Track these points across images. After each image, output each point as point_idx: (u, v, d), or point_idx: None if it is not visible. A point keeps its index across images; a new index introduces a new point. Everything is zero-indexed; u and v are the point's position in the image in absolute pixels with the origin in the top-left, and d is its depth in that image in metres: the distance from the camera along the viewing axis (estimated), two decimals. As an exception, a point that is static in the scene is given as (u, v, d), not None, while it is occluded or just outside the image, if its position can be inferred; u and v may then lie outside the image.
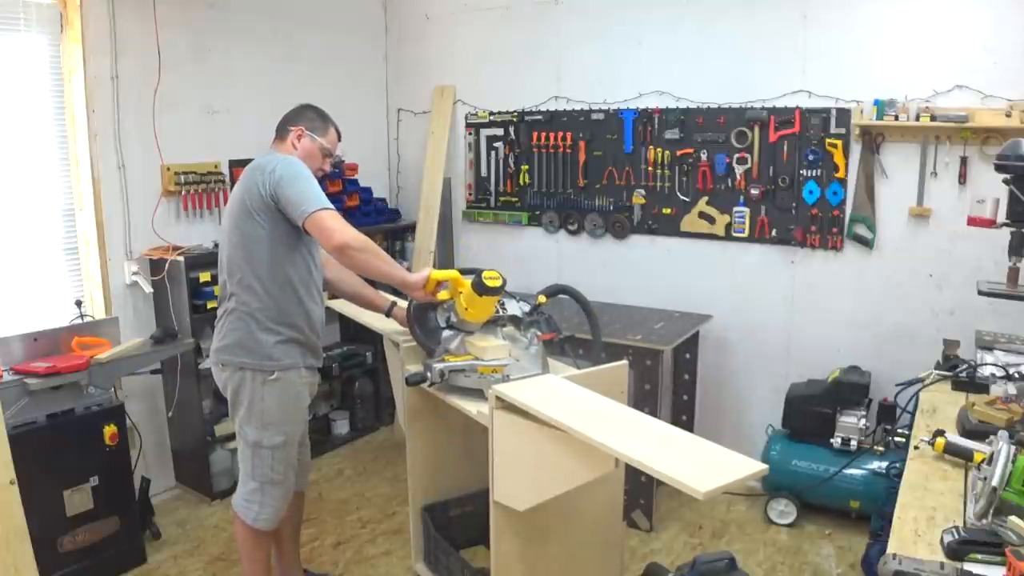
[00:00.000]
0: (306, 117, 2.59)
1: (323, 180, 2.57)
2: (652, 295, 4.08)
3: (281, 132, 2.60)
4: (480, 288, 2.30)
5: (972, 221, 2.45)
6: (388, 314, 2.84)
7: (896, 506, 1.71)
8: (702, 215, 3.95)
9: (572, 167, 4.29)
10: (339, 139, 2.68)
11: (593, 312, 2.70)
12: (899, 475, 1.96)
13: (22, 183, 3.27)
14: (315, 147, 2.57)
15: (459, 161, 4.74)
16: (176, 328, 3.54)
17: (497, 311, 2.48)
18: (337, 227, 2.29)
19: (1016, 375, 2.35)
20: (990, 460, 1.60)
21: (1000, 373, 2.39)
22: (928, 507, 1.69)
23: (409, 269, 4.74)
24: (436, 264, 4.61)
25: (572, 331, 2.76)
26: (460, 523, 3.00)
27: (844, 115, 3.53)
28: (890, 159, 3.48)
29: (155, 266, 3.58)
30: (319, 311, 2.59)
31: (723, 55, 3.80)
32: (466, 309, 2.37)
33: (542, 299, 2.57)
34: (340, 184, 4.40)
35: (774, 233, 3.79)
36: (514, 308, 2.52)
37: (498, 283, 2.31)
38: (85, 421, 3.01)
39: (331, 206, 2.34)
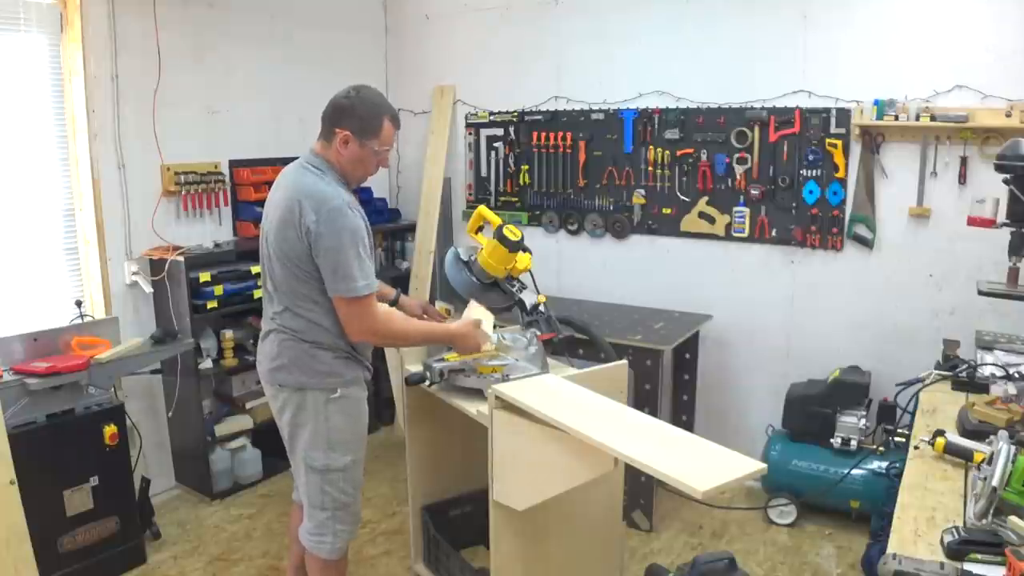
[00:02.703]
0: (355, 116, 2.23)
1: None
2: (652, 295, 4.07)
3: (326, 131, 2.27)
4: (498, 233, 2.49)
5: (972, 221, 2.45)
6: (394, 303, 2.77)
7: (896, 506, 1.71)
8: (702, 215, 3.95)
9: (572, 167, 4.29)
10: (397, 126, 2.33)
11: (605, 345, 2.73)
12: (899, 475, 1.96)
13: (22, 183, 3.27)
14: (366, 152, 2.26)
15: (459, 161, 4.74)
16: (176, 328, 3.54)
17: (512, 284, 2.55)
18: (356, 324, 2.23)
19: (1016, 375, 2.35)
20: (990, 460, 1.60)
21: (1000, 373, 2.39)
22: (928, 507, 1.69)
23: (409, 270, 4.75)
24: (435, 264, 4.62)
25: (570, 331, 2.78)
26: (460, 523, 3.00)
27: (844, 115, 3.52)
28: (890, 159, 3.48)
29: (155, 266, 3.59)
30: None
31: (723, 55, 3.80)
32: (482, 250, 2.59)
33: (542, 298, 2.57)
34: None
35: (774, 233, 3.78)
36: (528, 296, 2.55)
37: (514, 238, 2.49)
38: (85, 421, 3.01)
39: (365, 291, 2.18)
